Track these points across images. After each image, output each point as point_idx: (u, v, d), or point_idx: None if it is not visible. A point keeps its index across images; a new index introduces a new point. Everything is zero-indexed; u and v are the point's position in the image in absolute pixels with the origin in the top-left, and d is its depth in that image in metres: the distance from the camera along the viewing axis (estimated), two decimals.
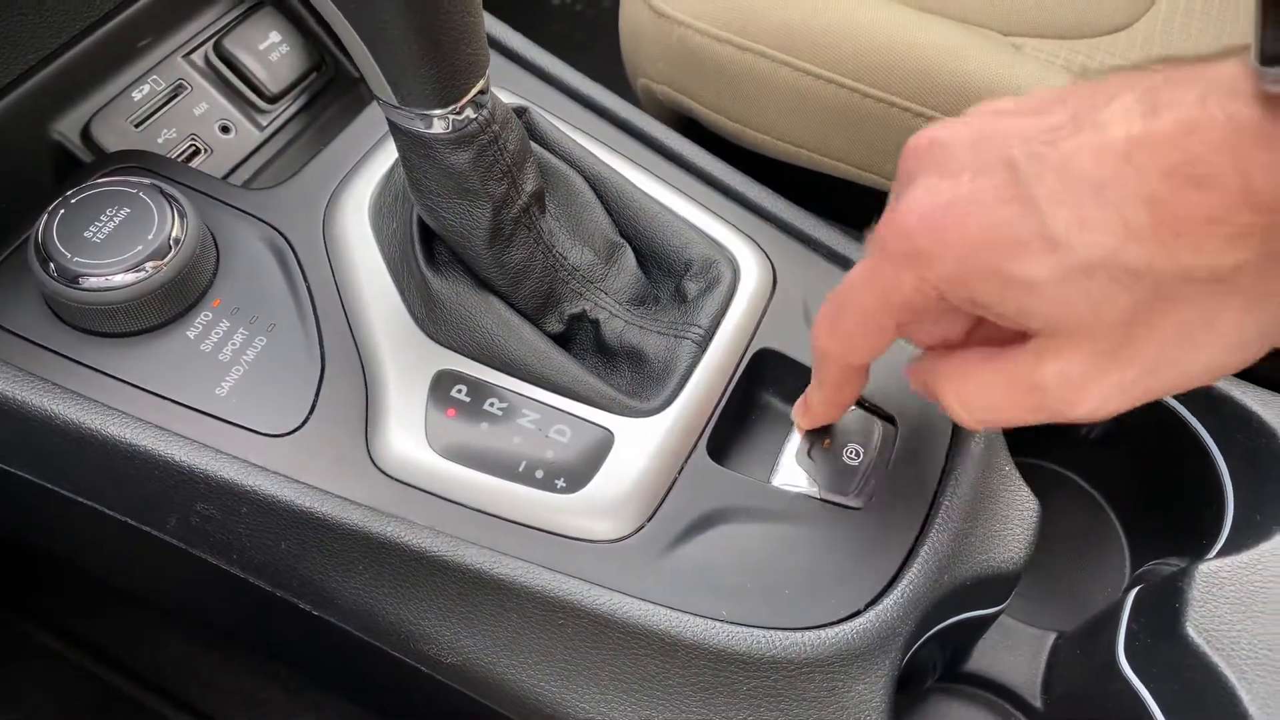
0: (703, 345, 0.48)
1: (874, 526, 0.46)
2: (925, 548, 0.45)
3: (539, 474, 0.44)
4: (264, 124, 0.57)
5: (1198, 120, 0.26)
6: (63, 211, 0.44)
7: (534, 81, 0.58)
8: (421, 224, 0.46)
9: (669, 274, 0.52)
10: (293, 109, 0.58)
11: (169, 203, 0.45)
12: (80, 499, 0.44)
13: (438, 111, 0.39)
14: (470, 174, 0.42)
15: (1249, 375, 0.55)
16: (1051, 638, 0.58)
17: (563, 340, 0.48)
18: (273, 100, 0.57)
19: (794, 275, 0.53)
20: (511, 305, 0.46)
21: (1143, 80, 0.28)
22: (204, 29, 0.56)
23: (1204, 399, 0.55)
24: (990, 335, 0.37)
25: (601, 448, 0.45)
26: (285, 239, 0.49)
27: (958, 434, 0.49)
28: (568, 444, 0.44)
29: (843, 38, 0.63)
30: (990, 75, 0.63)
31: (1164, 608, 0.47)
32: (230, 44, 0.56)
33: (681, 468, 0.46)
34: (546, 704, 0.43)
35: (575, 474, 0.44)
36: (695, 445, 0.46)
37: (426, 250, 0.46)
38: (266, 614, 0.49)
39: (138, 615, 0.77)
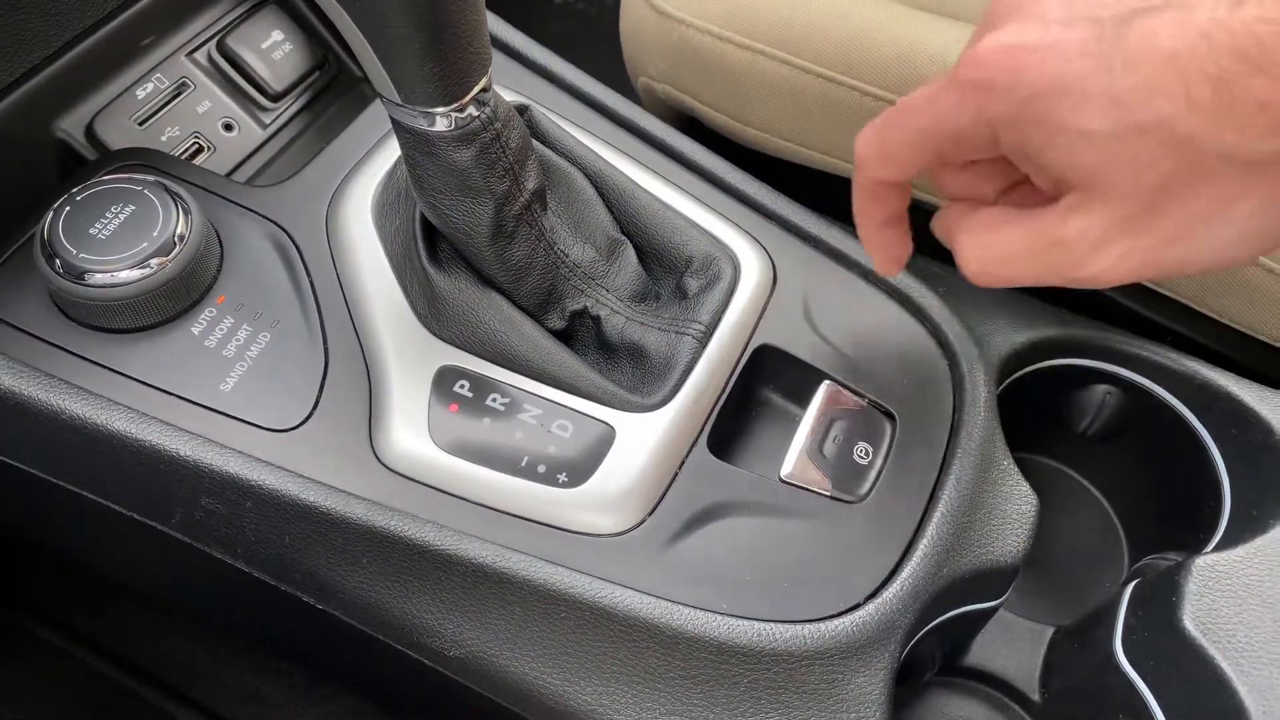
0: (703, 341, 0.48)
1: (873, 520, 0.46)
2: (924, 542, 0.46)
3: (541, 469, 0.44)
4: (267, 122, 0.57)
5: (1277, 16, 0.29)
6: (68, 208, 0.44)
7: (536, 80, 0.58)
8: (424, 221, 0.46)
9: (670, 271, 0.52)
10: (295, 107, 0.58)
11: (173, 200, 0.45)
12: (85, 494, 0.44)
13: (440, 109, 0.40)
14: (473, 171, 0.42)
15: (1245, 371, 0.56)
16: (1049, 632, 0.58)
17: (564, 337, 0.49)
18: (276, 98, 0.57)
19: (794, 272, 0.53)
20: (513, 302, 0.47)
21: None
22: (207, 27, 0.56)
23: (1201, 395, 0.55)
24: (1021, 200, 0.39)
25: (603, 443, 0.45)
26: (289, 236, 0.49)
27: (956, 429, 0.50)
28: (569, 439, 0.45)
29: (844, 36, 0.63)
30: None
31: (1161, 601, 0.47)
32: (233, 42, 0.56)
33: (682, 462, 0.46)
34: (548, 696, 0.43)
35: (577, 469, 0.44)
36: (696, 440, 0.47)
37: (429, 247, 0.46)
38: (270, 608, 0.49)
39: (140, 611, 0.77)
